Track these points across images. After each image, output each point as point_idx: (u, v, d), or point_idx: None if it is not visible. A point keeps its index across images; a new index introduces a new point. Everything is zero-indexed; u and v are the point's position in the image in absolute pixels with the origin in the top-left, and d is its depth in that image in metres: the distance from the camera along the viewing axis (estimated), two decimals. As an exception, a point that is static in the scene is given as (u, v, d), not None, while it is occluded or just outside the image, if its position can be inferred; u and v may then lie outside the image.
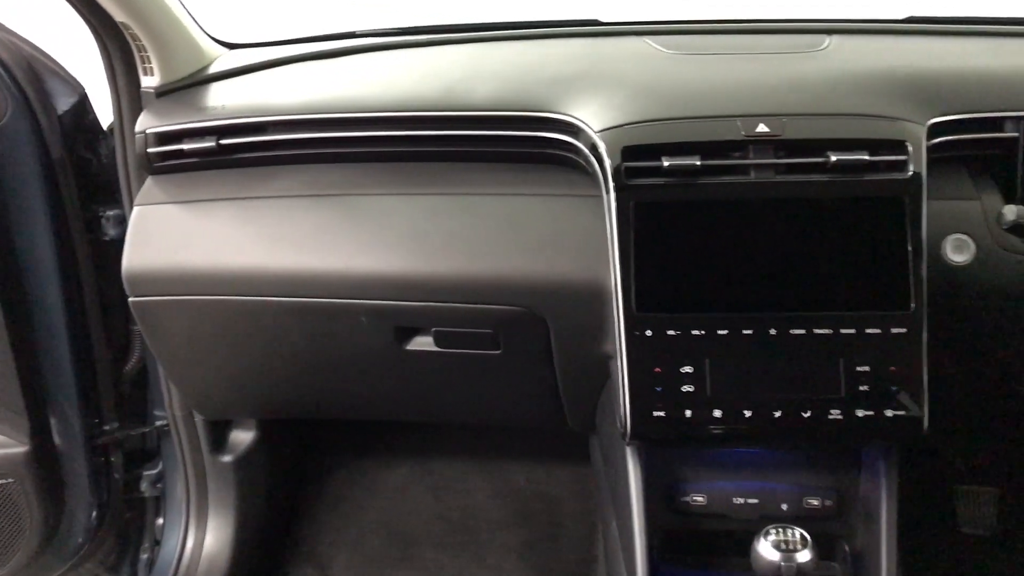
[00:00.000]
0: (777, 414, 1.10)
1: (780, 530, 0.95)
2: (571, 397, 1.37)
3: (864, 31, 1.43)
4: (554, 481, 1.91)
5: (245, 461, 1.70)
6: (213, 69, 1.42)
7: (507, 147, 1.26)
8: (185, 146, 1.30)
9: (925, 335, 1.09)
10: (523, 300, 1.22)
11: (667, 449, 1.25)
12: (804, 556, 0.93)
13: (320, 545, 1.87)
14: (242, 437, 1.70)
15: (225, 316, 1.32)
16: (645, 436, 1.15)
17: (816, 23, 1.46)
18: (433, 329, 1.29)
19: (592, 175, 1.18)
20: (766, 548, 0.94)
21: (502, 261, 1.21)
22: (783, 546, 0.94)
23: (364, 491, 1.94)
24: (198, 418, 1.61)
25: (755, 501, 1.22)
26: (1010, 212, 1.09)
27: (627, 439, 1.15)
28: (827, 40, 1.36)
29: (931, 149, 1.14)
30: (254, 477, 1.73)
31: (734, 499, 1.24)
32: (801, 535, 0.95)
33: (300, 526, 1.90)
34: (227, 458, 1.67)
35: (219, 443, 1.67)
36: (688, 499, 1.25)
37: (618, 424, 1.16)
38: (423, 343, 1.31)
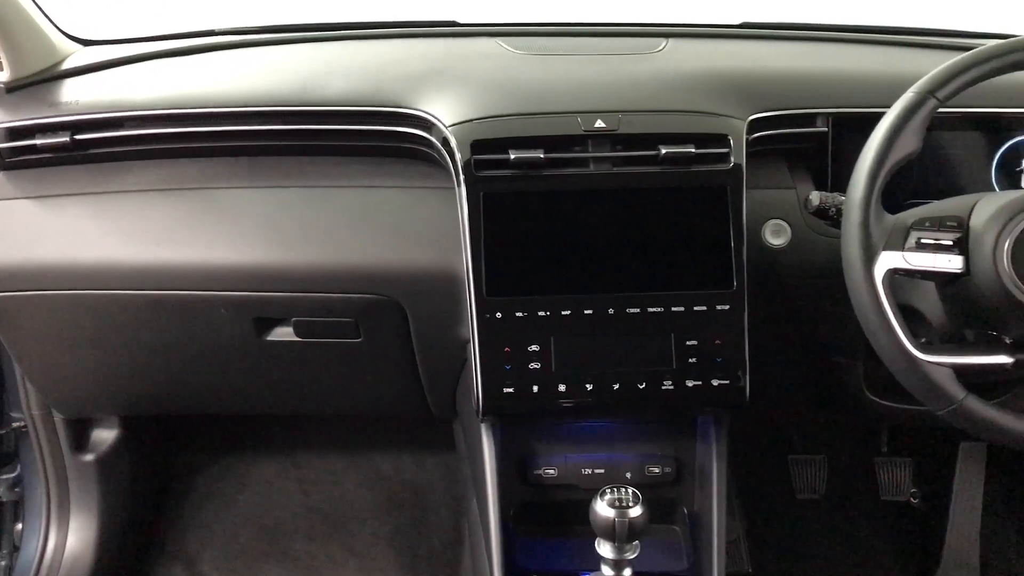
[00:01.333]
0: (616, 386, 1.19)
1: (614, 489, 1.04)
2: (432, 382, 1.42)
3: (699, 35, 1.54)
4: (422, 469, 1.96)
5: (108, 460, 1.68)
6: (67, 65, 1.41)
7: (362, 141, 1.31)
8: (38, 141, 1.29)
9: (746, 311, 1.19)
10: (381, 288, 1.27)
11: (520, 426, 1.33)
12: (636, 512, 1.02)
13: (188, 542, 1.86)
14: (104, 435, 1.68)
15: (81, 311, 1.32)
16: (497, 412, 1.22)
17: (656, 27, 1.56)
18: (293, 319, 1.32)
19: (444, 168, 1.25)
20: (602, 507, 1.02)
21: (359, 250, 1.25)
22: (617, 504, 1.02)
23: (232, 487, 1.94)
24: (57, 417, 1.59)
25: (601, 471, 1.31)
26: (815, 198, 1.21)
27: (480, 416, 1.22)
28: (664, 43, 1.47)
29: (752, 143, 1.25)
30: (118, 476, 1.71)
31: (583, 470, 1.32)
32: (633, 493, 1.03)
33: (167, 524, 1.88)
34: (89, 457, 1.66)
35: (80, 442, 1.65)
36: (540, 472, 1.32)
37: (472, 402, 1.22)
38: (283, 334, 1.35)
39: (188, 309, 1.31)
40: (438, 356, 1.35)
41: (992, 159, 1.29)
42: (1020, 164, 1.29)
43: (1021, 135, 1.29)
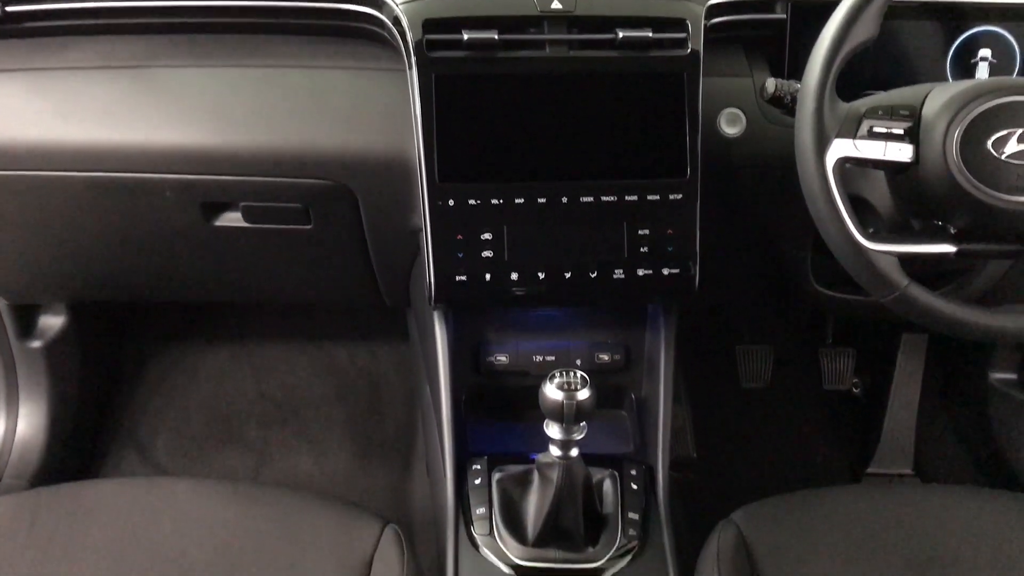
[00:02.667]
0: (568, 275, 1.19)
1: (564, 373, 1.05)
2: (384, 271, 1.42)
3: None
4: (375, 359, 1.98)
5: (56, 347, 1.66)
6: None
7: (310, 19, 1.26)
8: None
9: (699, 201, 1.20)
10: (330, 173, 1.25)
11: (472, 314, 1.33)
12: (584, 394, 1.03)
13: (140, 429, 1.87)
14: (51, 322, 1.66)
15: (20, 193, 1.28)
16: (449, 300, 1.22)
17: None
18: (241, 204, 1.30)
19: (396, 48, 1.21)
20: (551, 390, 1.04)
21: (308, 134, 1.22)
22: (566, 387, 1.04)
23: (184, 375, 1.94)
24: (2, 303, 1.56)
25: (552, 358, 1.33)
26: (770, 85, 1.19)
27: (432, 304, 1.22)
28: None
29: (709, 29, 1.23)
30: (67, 363, 1.70)
31: (534, 357, 1.34)
32: (582, 377, 1.05)
33: (119, 412, 1.88)
34: (36, 344, 1.64)
35: (27, 329, 1.63)
36: (492, 359, 1.34)
37: (424, 290, 1.22)
38: (232, 219, 1.32)
39: (131, 192, 1.27)
40: (390, 244, 1.34)
41: (948, 50, 1.29)
42: (975, 56, 1.29)
43: (977, 26, 1.28)
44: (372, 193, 1.27)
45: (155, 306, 1.94)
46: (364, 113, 1.23)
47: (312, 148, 1.23)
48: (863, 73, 1.25)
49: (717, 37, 1.25)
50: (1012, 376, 1.77)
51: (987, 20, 1.28)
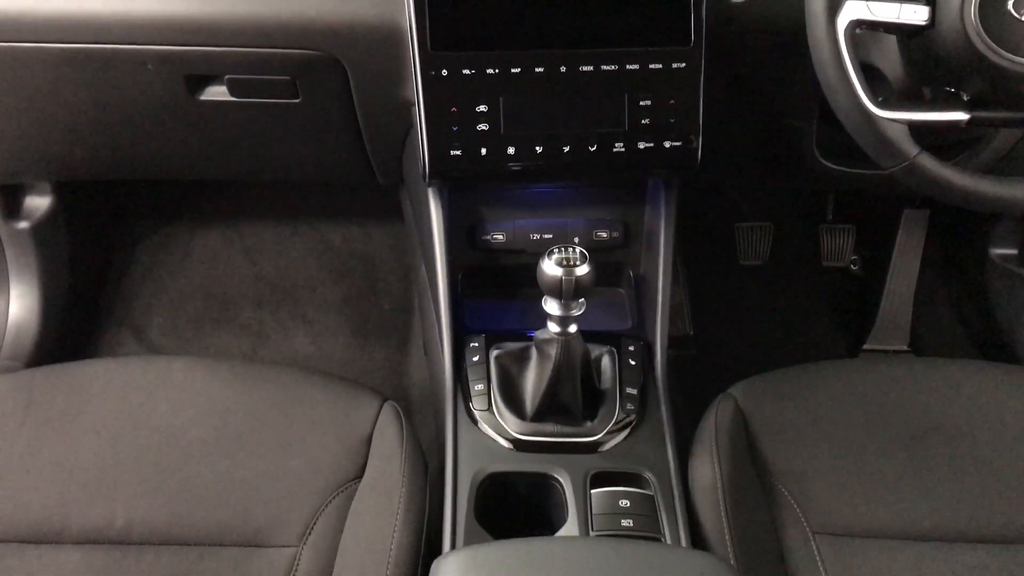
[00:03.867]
0: (566, 149, 1.16)
1: (562, 249, 1.03)
2: (376, 147, 1.38)
3: None
4: (370, 239, 1.95)
5: (44, 227, 1.64)
6: None
7: None
8: None
9: (702, 69, 1.15)
10: (318, 43, 1.19)
11: (467, 191, 1.30)
12: (582, 270, 1.01)
13: (134, 310, 1.86)
14: (38, 202, 1.63)
15: None
16: (443, 175, 1.18)
17: None
18: (227, 77, 1.25)
19: None
20: (549, 265, 1.02)
21: (294, 2, 1.17)
22: (564, 262, 1.02)
23: (176, 256, 1.92)
24: None
25: (550, 236, 1.30)
26: None
27: (427, 180, 1.19)
28: None
29: None
30: (56, 244, 1.68)
31: (531, 235, 1.31)
32: (580, 252, 1.02)
33: (112, 293, 1.87)
34: (23, 224, 1.61)
35: (13, 209, 1.60)
36: (488, 237, 1.31)
37: (418, 166, 1.19)
38: (217, 92, 1.27)
39: (112, 64, 1.22)
40: (381, 119, 1.30)
41: None
42: None
43: None
44: (362, 64, 1.22)
45: (143, 186, 1.90)
46: None
47: (299, 17, 1.17)
48: None
49: None
50: (1012, 251, 1.75)
51: None
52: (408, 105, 1.22)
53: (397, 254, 1.93)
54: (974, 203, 1.03)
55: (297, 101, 1.28)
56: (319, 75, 1.23)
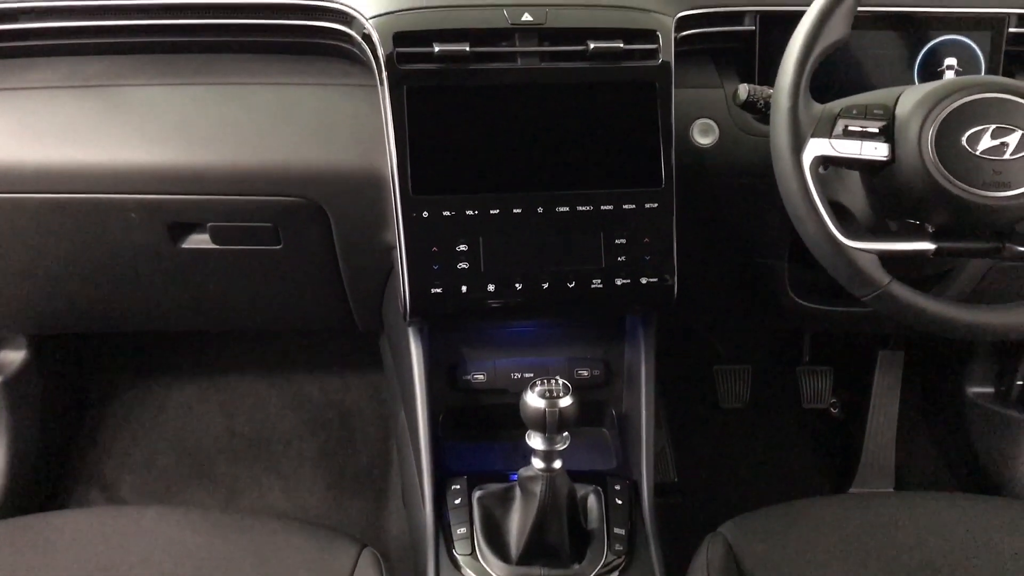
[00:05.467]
0: (545, 285, 1.17)
1: (545, 381, 1.03)
2: (356, 292, 1.39)
3: None
4: (347, 390, 1.94)
5: (17, 383, 1.61)
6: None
7: (279, 37, 1.25)
8: None
9: (675, 209, 1.19)
10: (301, 190, 1.22)
11: (448, 331, 1.31)
12: (566, 402, 1.01)
13: (105, 467, 1.81)
14: (12, 357, 1.61)
15: None
16: (424, 313, 1.19)
17: None
18: (209, 225, 1.27)
19: (366, 64, 1.20)
20: (533, 398, 1.01)
21: (277, 150, 1.20)
22: (547, 394, 1.01)
23: (151, 411, 1.89)
24: None
25: (530, 375, 1.30)
26: (743, 91, 1.19)
27: (407, 318, 1.19)
28: None
29: (680, 41, 1.23)
30: (29, 399, 1.65)
31: (512, 374, 1.31)
32: (563, 384, 1.02)
33: (83, 449, 1.82)
34: None
35: None
36: (469, 377, 1.31)
37: (399, 306, 1.20)
38: (199, 240, 1.29)
39: (97, 213, 1.24)
40: (362, 263, 1.32)
41: (914, 60, 1.30)
42: (941, 64, 1.30)
43: (941, 35, 1.30)
44: (344, 210, 1.25)
45: (120, 338, 1.89)
46: (334, 128, 1.21)
47: (281, 164, 1.21)
48: (833, 84, 1.25)
49: (687, 49, 1.26)
50: (989, 390, 1.77)
51: (950, 29, 1.30)
52: (389, 249, 1.24)
53: (375, 404, 1.91)
54: (948, 330, 1.05)
55: (279, 247, 1.30)
56: (301, 221, 1.26)
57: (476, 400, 1.32)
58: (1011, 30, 1.30)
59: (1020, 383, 1.73)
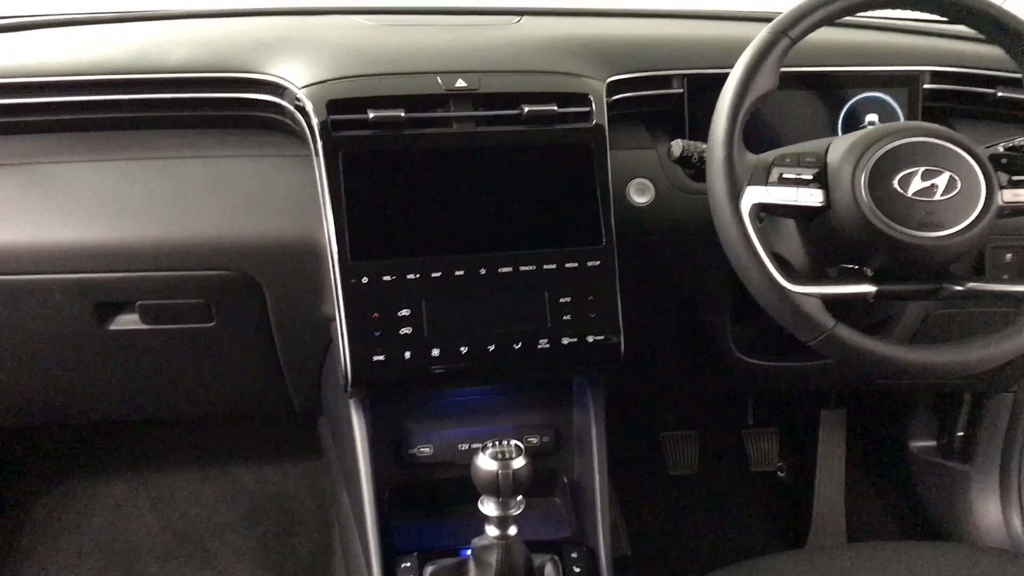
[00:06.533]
0: (491, 348, 1.15)
1: (496, 443, 1.00)
2: (293, 369, 1.35)
3: (552, 13, 1.55)
4: (285, 478, 1.86)
5: None
6: None
7: (209, 111, 1.23)
8: None
9: (616, 267, 1.18)
10: (234, 263, 1.19)
11: (391, 404, 1.27)
12: (519, 463, 0.98)
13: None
14: None
15: None
16: (367, 383, 1.15)
17: (511, 10, 1.56)
18: (139, 303, 1.22)
19: (300, 135, 1.19)
20: (484, 460, 0.98)
21: (209, 223, 1.17)
22: (500, 456, 0.98)
23: (75, 514, 1.78)
24: None
25: (478, 445, 1.26)
26: (677, 147, 1.21)
27: (349, 389, 1.15)
28: (519, 18, 1.47)
29: (612, 105, 1.25)
30: None
31: (459, 446, 1.27)
32: (515, 445, 0.99)
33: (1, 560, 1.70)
34: None
35: None
36: (415, 451, 1.27)
37: (339, 378, 1.16)
38: (128, 321, 1.24)
39: (18, 296, 1.19)
40: (299, 338, 1.28)
41: (838, 117, 1.34)
42: (863, 121, 1.34)
43: (862, 93, 1.35)
44: (279, 282, 1.21)
45: (39, 433, 1.79)
46: (268, 199, 1.19)
47: (214, 238, 1.18)
48: (763, 140, 1.29)
49: (619, 114, 1.28)
50: (931, 443, 1.79)
51: (870, 87, 1.35)
52: (327, 321, 1.20)
53: (315, 491, 1.83)
54: (893, 371, 1.06)
55: (211, 325, 1.25)
56: (234, 296, 1.22)
57: (423, 475, 1.28)
58: (926, 86, 1.37)
59: (960, 435, 1.75)
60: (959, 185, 1.02)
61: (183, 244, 1.17)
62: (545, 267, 1.17)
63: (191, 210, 1.18)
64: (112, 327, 1.24)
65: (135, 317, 1.23)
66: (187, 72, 1.22)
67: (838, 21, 1.12)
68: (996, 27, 1.09)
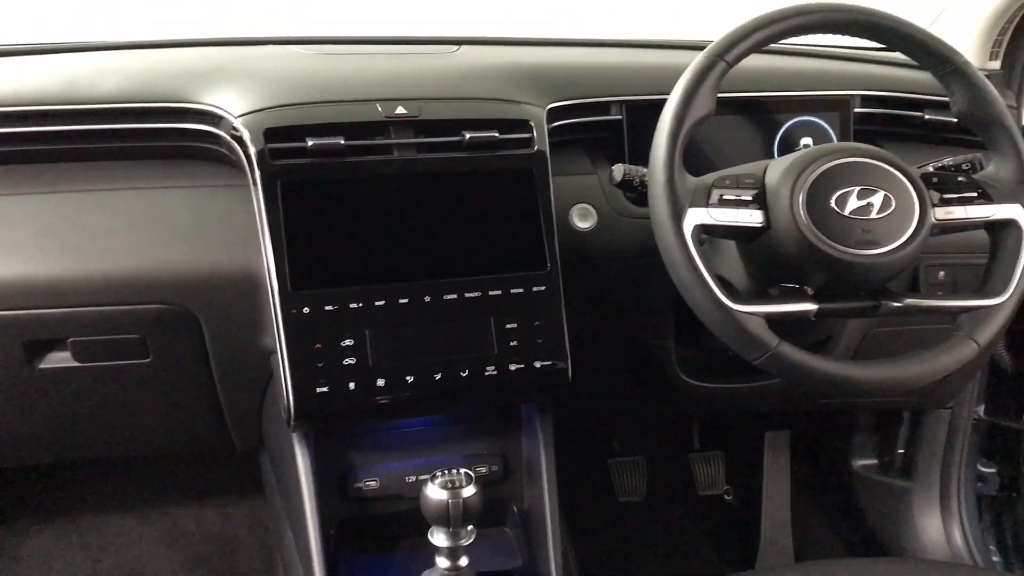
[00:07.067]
0: (438, 376, 1.13)
1: (445, 472, 0.98)
2: (233, 405, 1.31)
3: (491, 43, 1.56)
4: (227, 520, 1.80)
5: None
6: None
7: (142, 141, 1.21)
8: None
9: (562, 292, 1.18)
10: (169, 296, 1.16)
11: (336, 437, 1.24)
12: (469, 491, 0.97)
13: None
14: None
15: None
16: (310, 415, 1.12)
17: (450, 39, 1.56)
18: (71, 340, 1.18)
19: (236, 164, 1.17)
20: (434, 490, 0.96)
21: (142, 256, 1.14)
22: (449, 485, 0.96)
23: (2, 563, 1.70)
24: None
25: (426, 477, 1.24)
26: (618, 171, 1.21)
27: (292, 422, 1.12)
28: (457, 47, 1.47)
29: (553, 131, 1.26)
30: None
31: (406, 478, 1.25)
32: (465, 473, 0.98)
33: None
34: None
35: None
36: (361, 485, 1.24)
37: (282, 411, 1.13)
38: (60, 359, 1.20)
39: None
40: (239, 372, 1.25)
41: (774, 141, 1.37)
42: (798, 144, 1.37)
43: (796, 117, 1.38)
44: (217, 315, 1.18)
45: None
46: (203, 230, 1.17)
47: (147, 270, 1.15)
48: (702, 165, 1.30)
49: (560, 140, 1.28)
50: (873, 461, 1.81)
51: (803, 111, 1.38)
52: (267, 354, 1.18)
53: (257, 533, 1.78)
54: (837, 387, 1.07)
55: (147, 361, 1.22)
56: (171, 331, 1.19)
57: (370, 509, 1.25)
58: (857, 110, 1.40)
59: (901, 452, 1.78)
60: (894, 204, 1.04)
61: (117, 277, 1.14)
62: (490, 293, 1.16)
63: (124, 243, 1.15)
64: (43, 366, 1.20)
65: (67, 355, 1.19)
66: (119, 103, 1.20)
67: (772, 48, 1.14)
68: (923, 51, 1.12)
